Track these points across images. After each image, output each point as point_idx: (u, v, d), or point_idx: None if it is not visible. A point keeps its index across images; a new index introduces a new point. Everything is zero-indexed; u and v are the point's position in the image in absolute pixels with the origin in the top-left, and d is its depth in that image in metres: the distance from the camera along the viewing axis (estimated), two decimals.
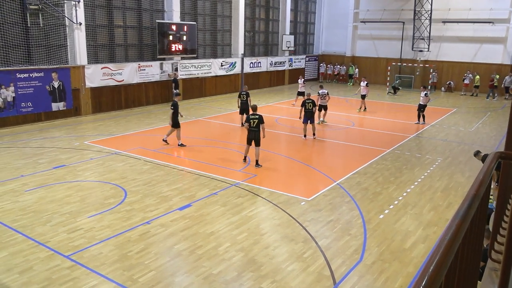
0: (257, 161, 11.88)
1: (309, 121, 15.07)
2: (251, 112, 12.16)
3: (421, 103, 18.25)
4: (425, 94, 18.21)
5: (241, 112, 16.66)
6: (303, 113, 15.19)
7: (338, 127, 17.35)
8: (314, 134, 15.34)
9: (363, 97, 21.19)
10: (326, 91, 17.90)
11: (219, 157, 12.79)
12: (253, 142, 11.89)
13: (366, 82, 21.23)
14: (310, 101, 15.10)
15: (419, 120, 18.44)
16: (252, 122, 11.80)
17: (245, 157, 12.24)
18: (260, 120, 11.78)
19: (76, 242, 7.43)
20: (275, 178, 11.24)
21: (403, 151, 14.10)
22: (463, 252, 1.81)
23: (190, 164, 12.08)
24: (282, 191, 10.07)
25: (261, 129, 11.87)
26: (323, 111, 17.90)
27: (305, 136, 15.35)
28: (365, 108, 21.31)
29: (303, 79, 23.14)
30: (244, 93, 16.67)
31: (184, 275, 6.53)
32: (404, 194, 10.21)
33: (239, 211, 8.88)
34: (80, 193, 9.71)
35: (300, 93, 22.12)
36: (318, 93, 17.85)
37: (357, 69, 33.32)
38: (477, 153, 10.21)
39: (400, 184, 10.86)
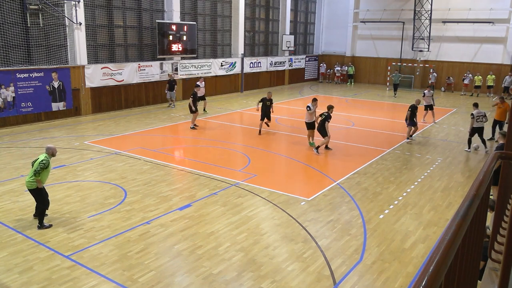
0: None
1: None
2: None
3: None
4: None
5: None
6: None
7: (338, 127, 17.34)
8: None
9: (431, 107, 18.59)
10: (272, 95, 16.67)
11: (219, 157, 12.78)
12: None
13: (431, 92, 18.87)
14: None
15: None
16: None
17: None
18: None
19: (76, 242, 7.43)
20: (275, 178, 11.23)
21: (403, 151, 14.09)
22: (463, 252, 1.81)
23: (190, 164, 12.08)
24: (282, 191, 10.06)
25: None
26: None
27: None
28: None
29: (203, 82, 20.26)
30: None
31: (184, 275, 6.53)
32: (404, 194, 10.21)
33: (239, 211, 8.88)
34: (80, 193, 9.71)
35: (201, 97, 18.89)
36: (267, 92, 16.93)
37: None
38: None
39: (400, 184, 10.86)
